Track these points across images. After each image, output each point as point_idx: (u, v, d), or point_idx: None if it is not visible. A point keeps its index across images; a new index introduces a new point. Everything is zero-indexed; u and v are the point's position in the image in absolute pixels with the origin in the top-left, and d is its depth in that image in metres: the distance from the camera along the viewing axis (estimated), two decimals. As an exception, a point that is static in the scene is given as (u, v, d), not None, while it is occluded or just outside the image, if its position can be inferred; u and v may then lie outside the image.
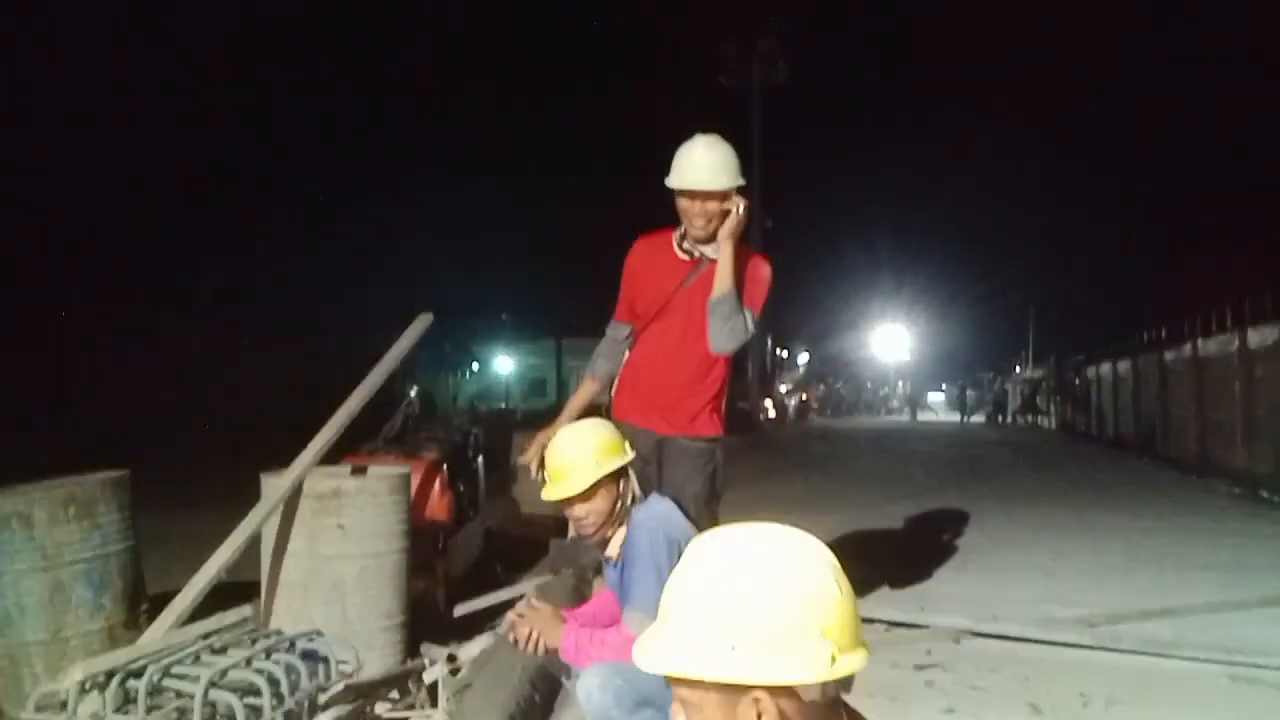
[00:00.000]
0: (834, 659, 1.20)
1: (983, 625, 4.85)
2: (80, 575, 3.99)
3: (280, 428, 7.98)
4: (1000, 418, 34.98)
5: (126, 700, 2.95)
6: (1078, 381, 27.01)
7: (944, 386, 55.21)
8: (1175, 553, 7.16)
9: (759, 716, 1.21)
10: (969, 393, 37.72)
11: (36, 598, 3.91)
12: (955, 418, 37.67)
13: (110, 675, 2.90)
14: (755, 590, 1.22)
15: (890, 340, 53.70)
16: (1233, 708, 3.80)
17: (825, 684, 1.21)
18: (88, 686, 2.92)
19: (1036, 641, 4.65)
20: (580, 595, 4.95)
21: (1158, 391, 16.64)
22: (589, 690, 2.52)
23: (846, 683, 1.24)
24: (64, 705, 2.86)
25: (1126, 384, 19.82)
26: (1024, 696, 3.87)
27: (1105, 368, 22.50)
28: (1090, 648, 4.54)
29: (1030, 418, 33.35)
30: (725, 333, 3.61)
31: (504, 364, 50.08)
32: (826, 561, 1.28)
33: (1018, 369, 44.94)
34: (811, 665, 1.19)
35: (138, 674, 2.91)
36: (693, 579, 1.27)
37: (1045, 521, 8.87)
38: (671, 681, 1.26)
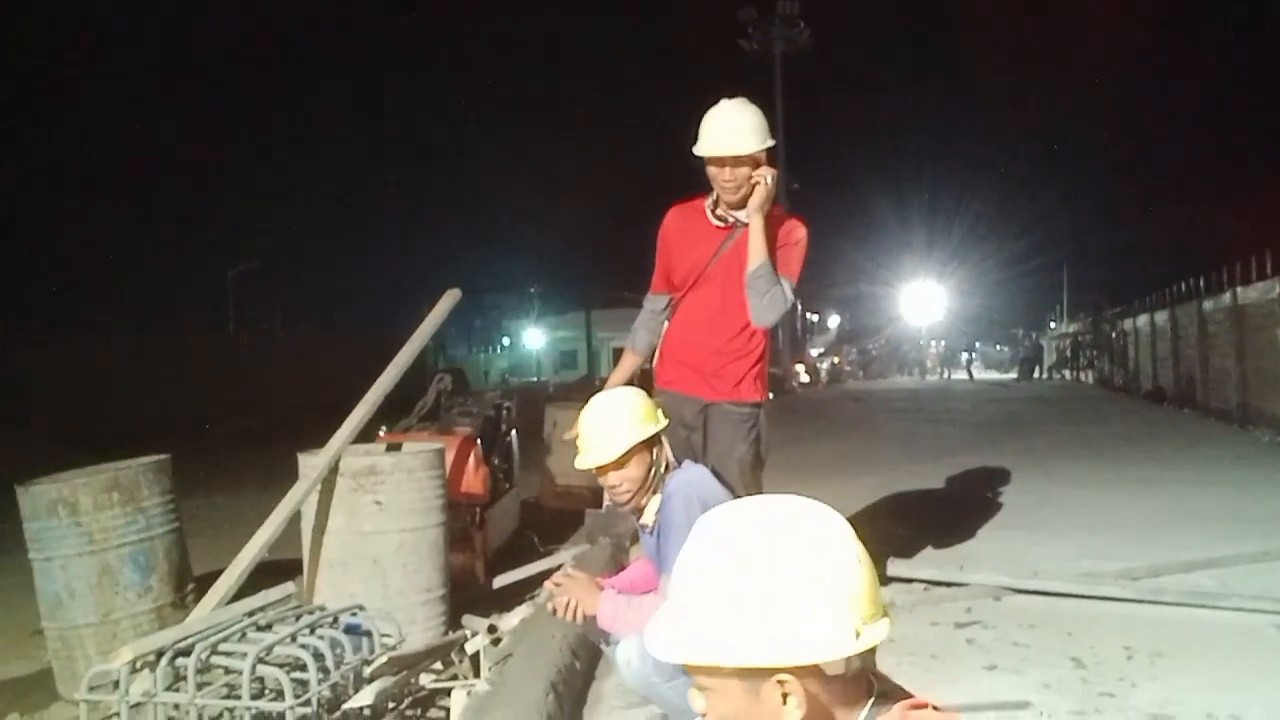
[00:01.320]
0: (858, 633, 1.17)
1: (1023, 582, 4.81)
2: (127, 558, 4.07)
3: (314, 408, 8.08)
4: (1035, 374, 34.60)
5: (176, 678, 3.01)
6: (1115, 335, 26.63)
7: (977, 345, 54.60)
8: (1218, 504, 7.07)
9: (785, 698, 1.18)
10: (1002, 349, 37.29)
11: (85, 581, 3.99)
12: (992, 376, 37.33)
13: (160, 654, 2.96)
14: (772, 569, 1.17)
15: (923, 300, 53.16)
16: (1279, 657, 3.76)
17: (850, 657, 1.18)
18: (138, 666, 2.98)
19: (1078, 596, 4.62)
20: (617, 564, 4.98)
21: (1197, 342, 16.37)
22: (628, 657, 2.53)
23: (870, 652, 1.21)
24: (116, 685, 2.93)
25: (1164, 336, 19.53)
26: (1067, 651, 3.85)
27: (1143, 320, 22.18)
28: (1133, 601, 4.50)
29: (1067, 373, 32.97)
30: (765, 306, 3.61)
31: (534, 338, 50.18)
32: (842, 531, 1.23)
33: (1052, 325, 44.38)
34: (836, 642, 1.16)
35: (186, 652, 2.97)
36: (704, 560, 1.22)
37: (1084, 477, 8.78)
38: (689, 668, 1.23)
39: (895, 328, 52.87)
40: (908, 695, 1.26)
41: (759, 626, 1.15)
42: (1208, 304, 15.91)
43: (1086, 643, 3.95)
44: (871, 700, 1.24)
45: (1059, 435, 13.23)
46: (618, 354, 4.84)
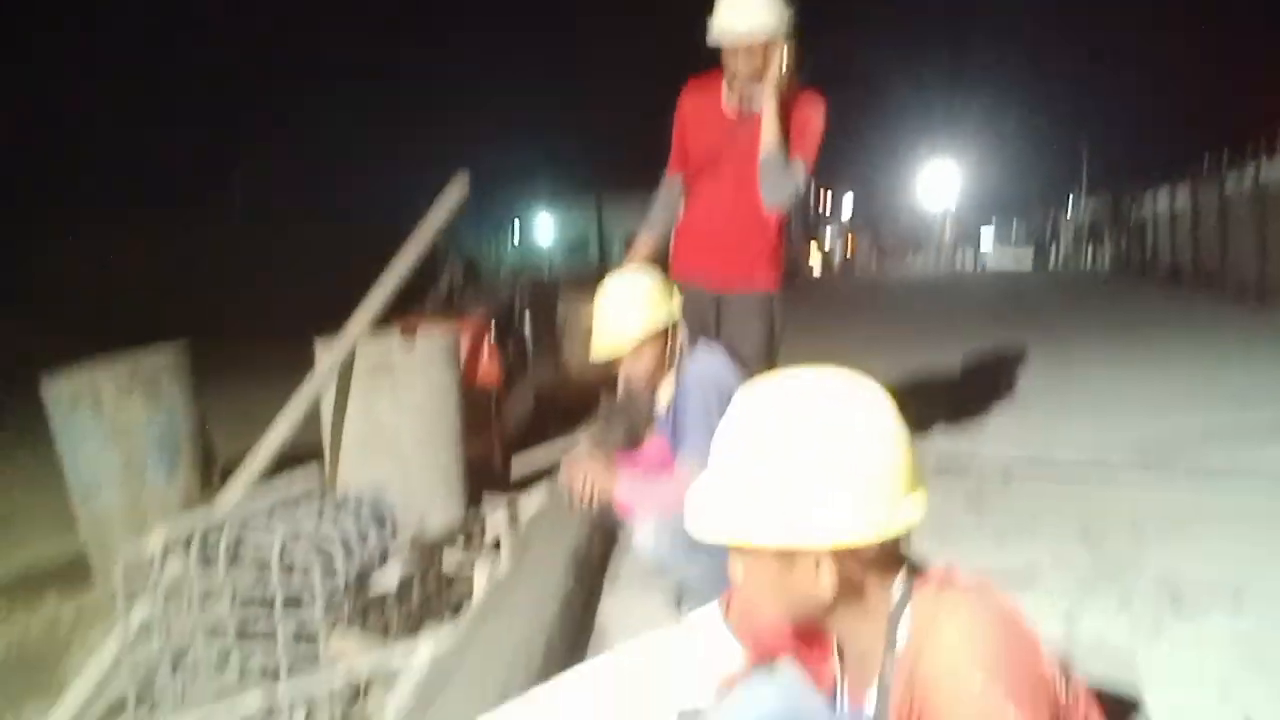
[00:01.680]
0: (901, 510, 1.17)
1: (1034, 459, 4.88)
2: (151, 447, 4.15)
3: (327, 299, 8.09)
4: (1051, 258, 34.28)
5: (207, 559, 3.10)
6: (1133, 217, 26.25)
7: (994, 227, 53.92)
8: (1232, 383, 7.08)
9: (819, 572, 1.19)
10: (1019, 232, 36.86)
11: (113, 469, 4.08)
12: (1008, 257, 37.01)
13: (191, 536, 3.05)
14: (811, 445, 1.16)
15: (938, 181, 52.28)
16: (1286, 530, 3.81)
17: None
18: (170, 548, 3.07)
19: (1088, 472, 4.68)
20: (632, 449, 5.05)
21: (1217, 220, 16.13)
22: (645, 538, 2.59)
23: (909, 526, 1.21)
24: (150, 565, 3.02)
25: (1184, 215, 19.23)
26: (1075, 524, 3.91)
27: (1162, 199, 21.80)
28: (1143, 477, 4.56)
29: (1084, 255, 32.64)
30: (776, 191, 3.56)
31: (544, 225, 49.82)
32: (883, 404, 1.21)
33: (1070, 207, 43.73)
34: (873, 521, 1.16)
35: (216, 534, 3.05)
36: (743, 435, 1.22)
37: (1099, 356, 8.79)
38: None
39: (905, 213, 52.21)
40: (924, 571, 1.28)
41: (795, 506, 1.15)
42: (1229, 182, 15.60)
43: (1096, 516, 4.01)
44: (903, 573, 1.25)
45: (1073, 317, 13.19)
46: (629, 242, 4.83)
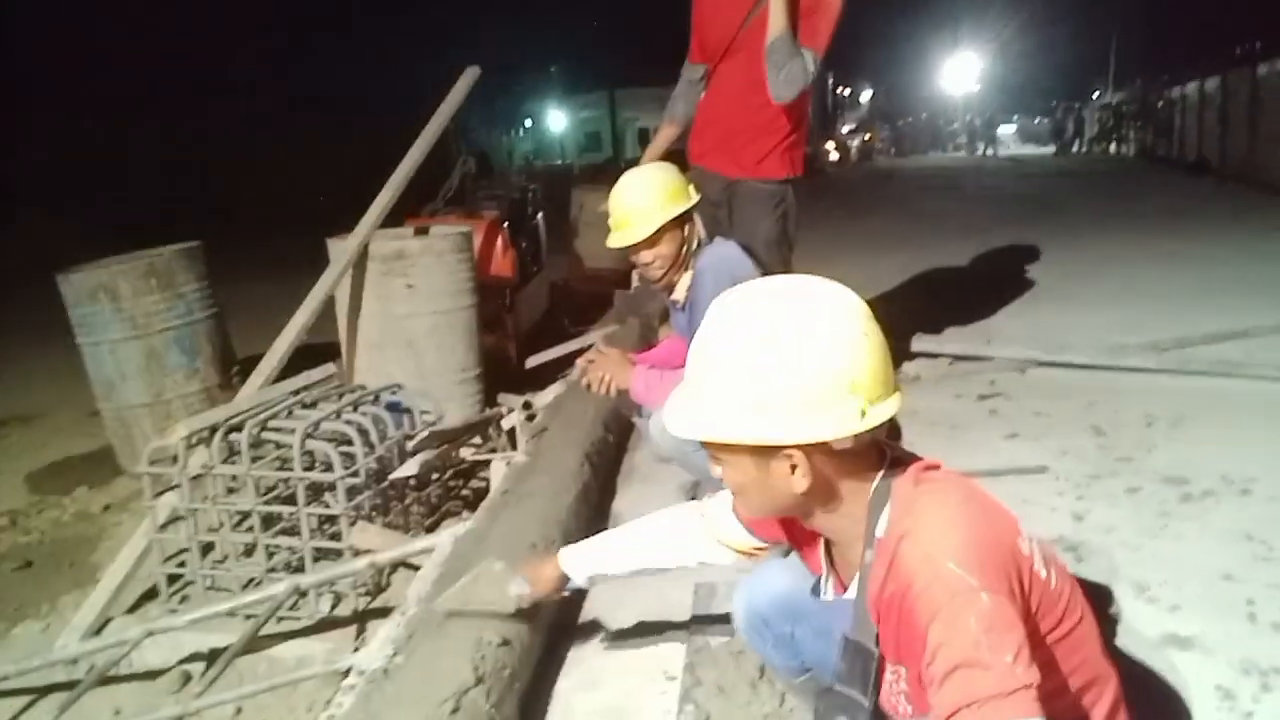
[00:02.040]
0: (864, 412, 1.19)
1: (1048, 355, 4.86)
2: (171, 342, 4.20)
3: (339, 195, 8.04)
4: (1074, 148, 33.54)
5: (230, 452, 3.17)
6: (1160, 104, 25.53)
7: (1015, 118, 52.59)
8: (1253, 277, 6.98)
9: (793, 469, 1.24)
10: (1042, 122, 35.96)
11: (134, 364, 4.14)
12: (1030, 150, 36.24)
13: (214, 430, 3.11)
14: (781, 349, 1.19)
15: (959, 71, 50.80)
16: (1300, 423, 3.82)
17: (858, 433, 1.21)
18: (194, 441, 3.13)
19: (1103, 368, 4.67)
20: (646, 343, 5.07)
21: (1248, 109, 15.67)
22: (660, 428, 2.62)
23: (880, 427, 1.24)
24: (174, 459, 3.09)
25: (1214, 103, 18.69)
26: (1087, 420, 3.93)
27: (1191, 87, 21.16)
28: (1158, 371, 4.55)
29: (1108, 146, 31.90)
30: (782, 80, 3.48)
31: (556, 119, 48.92)
32: (854, 310, 1.23)
33: (1096, 95, 42.50)
34: (841, 421, 1.19)
35: (238, 428, 3.11)
36: (715, 340, 1.25)
37: (1118, 251, 8.67)
38: (704, 442, 1.29)
39: (925, 104, 50.93)
40: (906, 464, 1.30)
41: (766, 405, 1.19)
42: (1262, 68, 15.11)
43: (1108, 412, 4.02)
44: (883, 470, 1.29)
45: (1094, 209, 12.98)
46: (643, 135, 4.78)
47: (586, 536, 2.95)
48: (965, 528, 1.18)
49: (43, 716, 2.48)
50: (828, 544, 1.43)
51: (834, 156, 32.35)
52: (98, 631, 3.02)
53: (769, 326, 1.21)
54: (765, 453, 1.23)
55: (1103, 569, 2.60)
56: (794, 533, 1.52)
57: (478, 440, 3.86)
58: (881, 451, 1.31)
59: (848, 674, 1.32)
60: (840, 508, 1.29)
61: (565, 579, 1.92)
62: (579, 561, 1.91)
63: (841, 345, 1.20)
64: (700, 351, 1.28)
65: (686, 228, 2.76)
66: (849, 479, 1.28)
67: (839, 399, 1.19)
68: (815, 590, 1.45)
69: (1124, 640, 2.21)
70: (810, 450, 1.22)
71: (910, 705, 1.28)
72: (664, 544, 1.80)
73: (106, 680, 2.67)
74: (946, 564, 1.14)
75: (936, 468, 1.30)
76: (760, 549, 1.68)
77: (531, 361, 5.33)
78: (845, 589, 1.39)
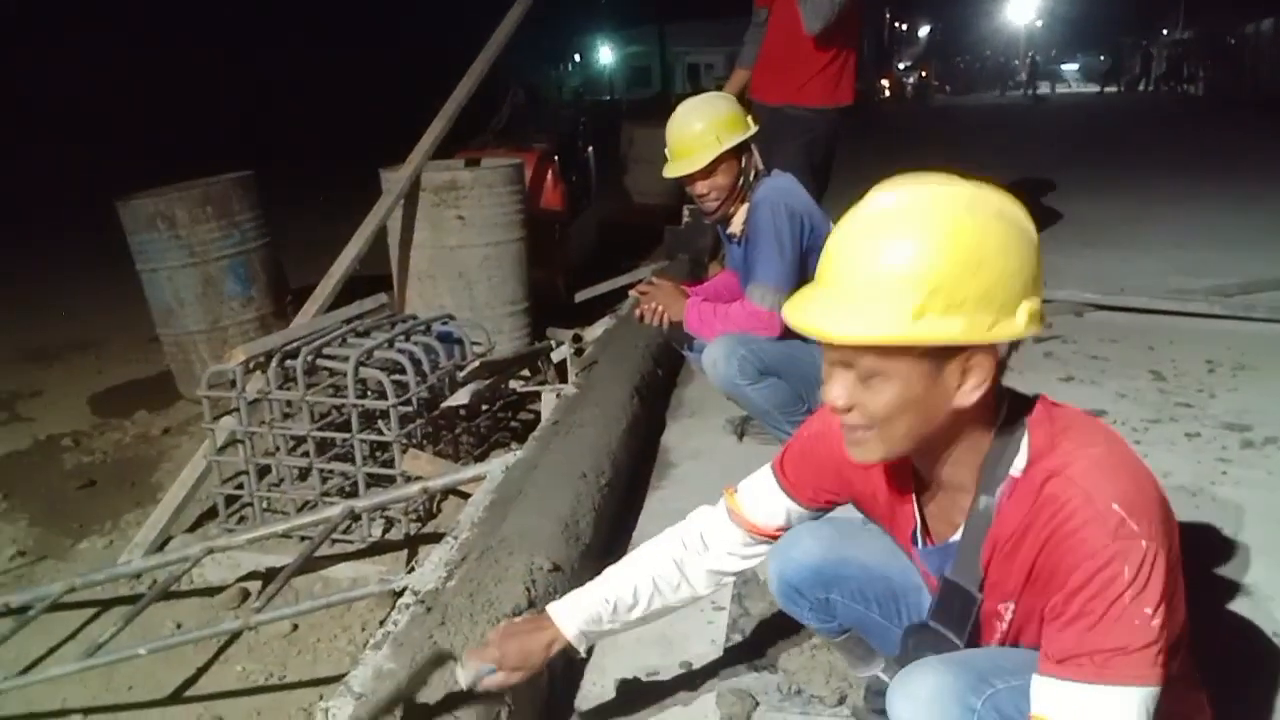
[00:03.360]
0: (1037, 313, 1.11)
1: (1107, 298, 4.75)
2: (227, 270, 4.26)
3: (392, 126, 8.02)
4: (1140, 85, 32.43)
5: (286, 379, 3.22)
6: (1232, 41, 24.52)
7: (1079, 56, 50.84)
8: (1324, 222, 6.74)
9: (963, 380, 1.12)
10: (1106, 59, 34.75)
11: (191, 291, 4.21)
12: (1094, 89, 35.11)
13: (270, 356, 3.15)
14: (983, 243, 1.08)
15: (1021, 6, 49.13)
16: (1370, 371, 3.71)
17: (1015, 343, 1.12)
18: (251, 367, 3.19)
19: (1163, 313, 4.55)
20: (695, 279, 5.04)
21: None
22: (714, 360, 2.61)
23: (1016, 342, 1.15)
24: (232, 384, 3.15)
25: (1290, 40, 17.91)
26: (1147, 364, 3.85)
27: (1266, 23, 20.27)
28: (1221, 316, 4.43)
29: (1176, 84, 30.80)
30: (809, 11, 3.71)
31: (605, 54, 48.24)
32: (1020, 206, 1.15)
33: (1165, 32, 40.91)
34: (1028, 318, 1.10)
35: (294, 355, 3.15)
36: (901, 237, 1.09)
37: (1183, 193, 8.40)
38: (849, 355, 1.13)
39: (991, 39, 49.37)
40: (1031, 400, 1.23)
41: (968, 301, 1.08)
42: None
43: (1168, 357, 3.93)
44: (1006, 400, 1.22)
45: (1159, 150, 12.58)
46: (692, 70, 4.86)
47: (635, 469, 3.00)
48: (1125, 473, 1.13)
49: (108, 627, 2.57)
50: (918, 494, 1.34)
51: (888, 93, 31.64)
52: (159, 548, 3.12)
53: (966, 213, 1.09)
54: (942, 359, 1.10)
55: (1159, 513, 2.56)
56: (866, 489, 1.42)
57: (526, 373, 3.89)
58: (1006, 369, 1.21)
59: (944, 614, 1.28)
60: (976, 430, 1.19)
61: (556, 646, 1.55)
62: (575, 618, 1.56)
63: (1027, 237, 1.12)
64: (874, 235, 1.12)
65: (744, 159, 2.71)
66: (992, 398, 1.17)
67: (1028, 295, 1.10)
68: (914, 539, 1.36)
69: (1185, 590, 2.18)
70: (989, 354, 1.11)
71: (1008, 639, 1.25)
72: (694, 575, 1.58)
73: (168, 595, 2.76)
74: (1111, 504, 1.08)
75: (1060, 404, 1.23)
76: (786, 530, 1.57)
77: (580, 296, 5.33)
78: (944, 539, 1.32)
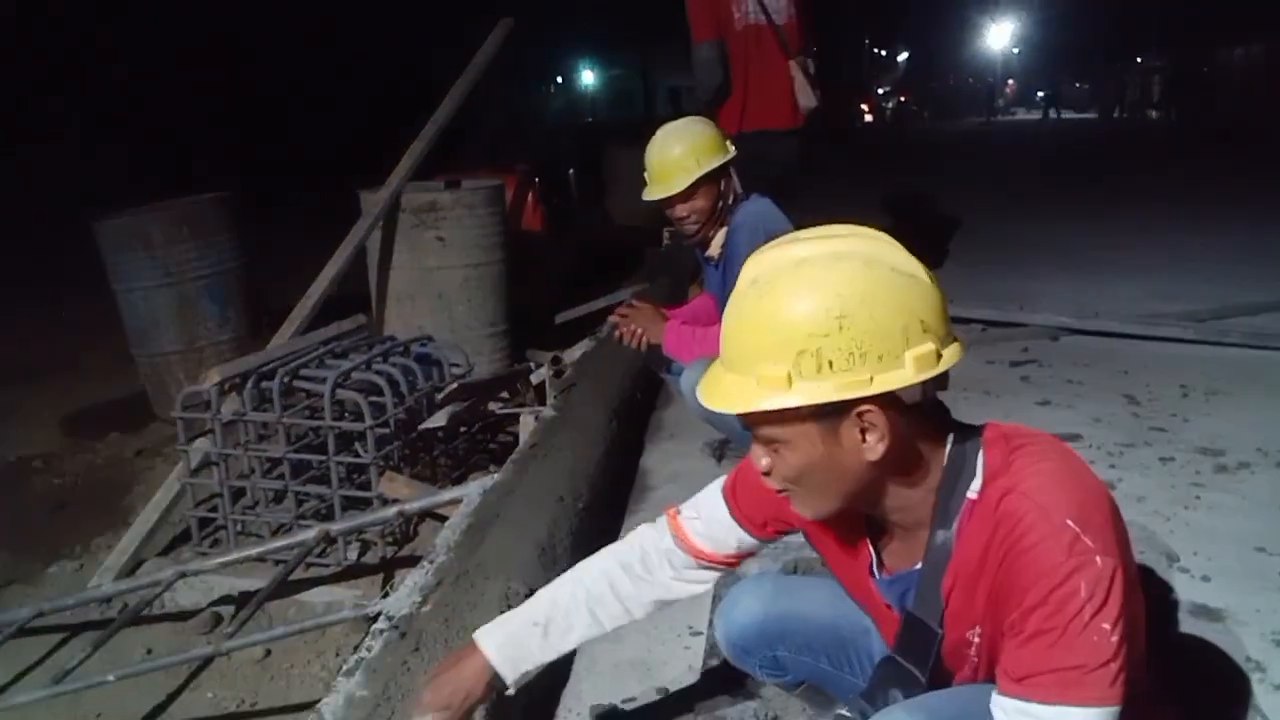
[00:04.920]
0: (939, 354, 1.11)
1: (1081, 322, 4.80)
2: (203, 290, 4.23)
3: (371, 147, 8.02)
4: (1114, 112, 32.92)
5: (262, 400, 3.19)
6: (1206, 70, 24.95)
7: (1053, 82, 51.57)
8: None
9: (863, 435, 1.12)
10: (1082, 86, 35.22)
11: (167, 311, 4.18)
12: (1070, 115, 35.58)
13: (245, 377, 3.13)
14: (846, 297, 1.08)
15: (996, 33, 49.83)
16: (1340, 397, 3.75)
17: (926, 385, 1.12)
18: (226, 388, 3.16)
19: (1137, 337, 4.60)
20: (676, 301, 5.04)
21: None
22: (692, 383, 2.60)
23: (942, 380, 1.15)
24: (207, 405, 3.12)
25: (1260, 67, 18.23)
26: (1121, 389, 3.88)
27: (1238, 52, 20.65)
28: (1194, 341, 4.48)
29: (1150, 111, 31.28)
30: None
31: (588, 76, 48.49)
32: (907, 254, 1.14)
33: (1139, 59, 41.56)
34: (919, 364, 1.09)
35: (270, 376, 3.13)
36: (759, 298, 1.12)
37: (1155, 220, 8.53)
38: (752, 424, 1.16)
39: (969, 65, 49.95)
40: (979, 428, 1.23)
41: (833, 359, 1.08)
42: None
43: (1142, 381, 3.97)
44: (953, 433, 1.21)
45: (1133, 176, 12.75)
46: (673, 94, 4.89)
47: (613, 492, 2.99)
48: (1077, 486, 1.13)
49: (77, 653, 2.53)
50: (871, 528, 1.33)
51: (868, 118, 31.94)
52: (130, 572, 3.07)
53: (823, 272, 1.10)
54: (833, 419, 1.11)
55: (1134, 538, 2.51)
56: (814, 530, 1.41)
57: (505, 395, 3.87)
58: (945, 411, 1.22)
59: (907, 647, 1.27)
60: (917, 475, 1.19)
61: (485, 675, 1.44)
62: (497, 640, 1.46)
63: (906, 280, 1.11)
64: (740, 314, 1.15)
65: (723, 182, 2.72)
66: (924, 440, 1.18)
67: (912, 341, 1.09)
68: (870, 571, 1.34)
69: (1154, 611, 2.18)
70: (884, 406, 1.10)
71: (981, 663, 1.24)
72: (629, 593, 1.50)
73: (139, 620, 2.72)
74: (1064, 519, 1.08)
75: (1017, 427, 1.24)
76: (735, 557, 1.53)
77: (561, 317, 5.32)
78: (891, 571, 1.31)
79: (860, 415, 1.11)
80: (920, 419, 1.16)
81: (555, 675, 2.06)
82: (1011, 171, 14.38)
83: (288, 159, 15.54)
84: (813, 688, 1.69)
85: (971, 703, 1.17)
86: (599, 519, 2.72)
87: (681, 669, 2.08)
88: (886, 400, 1.10)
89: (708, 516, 1.51)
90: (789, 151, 4.22)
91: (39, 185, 12.03)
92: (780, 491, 1.22)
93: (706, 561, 1.52)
